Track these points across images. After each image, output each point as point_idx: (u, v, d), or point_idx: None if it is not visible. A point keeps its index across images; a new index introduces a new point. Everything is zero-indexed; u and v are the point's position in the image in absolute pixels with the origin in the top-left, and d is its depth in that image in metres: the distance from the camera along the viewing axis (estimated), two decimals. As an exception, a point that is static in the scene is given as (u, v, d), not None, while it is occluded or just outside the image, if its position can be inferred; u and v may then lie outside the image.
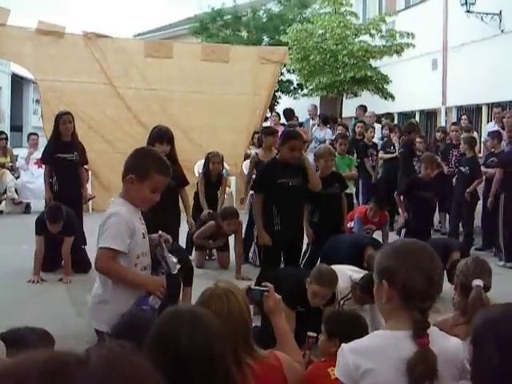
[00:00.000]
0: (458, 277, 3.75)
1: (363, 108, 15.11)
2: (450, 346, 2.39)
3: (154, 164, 3.92)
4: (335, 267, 5.28)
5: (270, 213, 6.37)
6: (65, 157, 8.44)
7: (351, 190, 10.49)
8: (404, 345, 2.27)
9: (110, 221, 3.79)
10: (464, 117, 13.47)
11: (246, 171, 13.41)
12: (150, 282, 3.97)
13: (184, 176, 7.14)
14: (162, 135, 6.75)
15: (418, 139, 11.65)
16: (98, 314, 3.93)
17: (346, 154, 10.15)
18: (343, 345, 2.39)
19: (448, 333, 2.49)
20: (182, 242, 7.83)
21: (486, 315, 2.29)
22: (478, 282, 3.53)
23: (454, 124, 12.67)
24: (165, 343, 2.01)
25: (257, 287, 3.15)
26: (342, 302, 5.34)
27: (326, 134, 14.13)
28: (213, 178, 9.09)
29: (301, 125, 15.42)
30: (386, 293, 2.35)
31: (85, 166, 12.45)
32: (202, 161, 9.33)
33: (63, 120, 8.45)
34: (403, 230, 8.84)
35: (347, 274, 5.33)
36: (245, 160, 13.89)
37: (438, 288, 2.40)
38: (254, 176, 9.28)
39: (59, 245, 7.79)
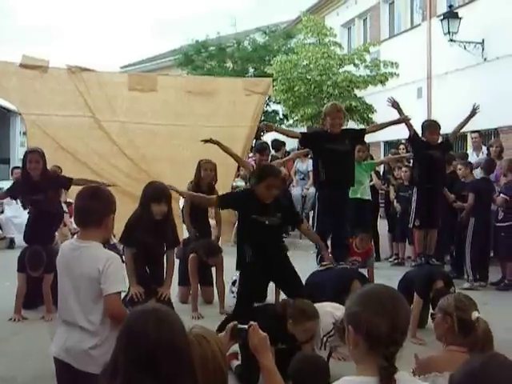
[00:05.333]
0: (447, 314, 3.68)
1: None
2: None
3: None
4: (316, 305, 5.24)
5: (242, 248, 5.98)
6: (33, 198, 8.06)
7: (368, 196, 10.53)
8: None
9: (113, 266, 3.79)
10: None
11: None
12: None
13: (176, 236, 6.82)
14: (158, 195, 6.26)
15: (403, 168, 11.69)
16: (95, 360, 3.77)
17: (362, 161, 10.20)
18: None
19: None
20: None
21: (465, 370, 2.22)
22: (478, 314, 3.58)
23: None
24: (135, 339, 2.15)
25: (241, 326, 3.09)
26: (324, 338, 5.27)
27: (309, 165, 14.01)
28: (204, 188, 8.56)
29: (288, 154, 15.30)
30: (352, 339, 2.35)
31: (69, 200, 12.43)
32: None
33: (29, 159, 8.03)
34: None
35: (328, 310, 5.27)
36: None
37: (404, 333, 2.36)
38: None
39: (41, 281, 7.71)
